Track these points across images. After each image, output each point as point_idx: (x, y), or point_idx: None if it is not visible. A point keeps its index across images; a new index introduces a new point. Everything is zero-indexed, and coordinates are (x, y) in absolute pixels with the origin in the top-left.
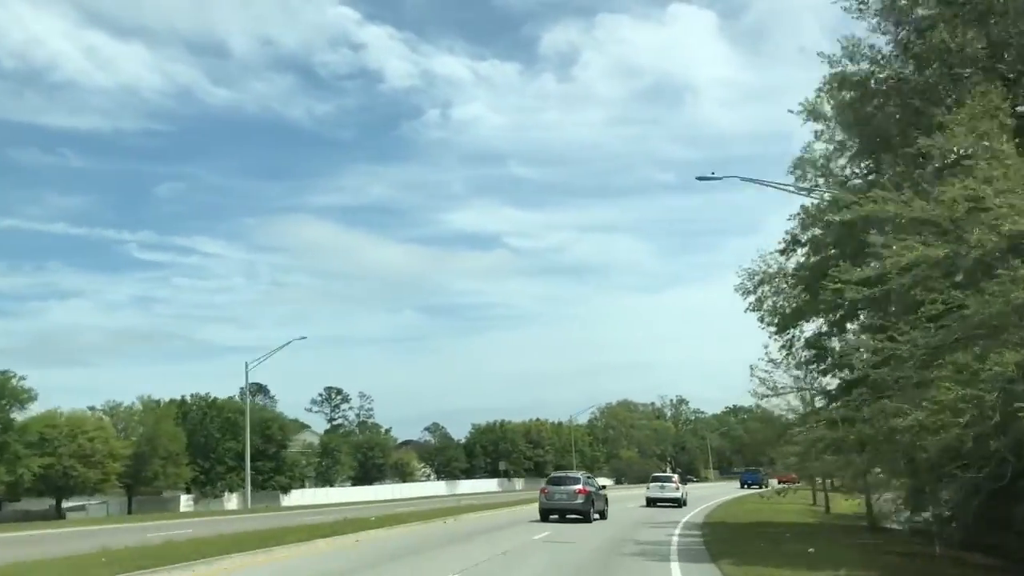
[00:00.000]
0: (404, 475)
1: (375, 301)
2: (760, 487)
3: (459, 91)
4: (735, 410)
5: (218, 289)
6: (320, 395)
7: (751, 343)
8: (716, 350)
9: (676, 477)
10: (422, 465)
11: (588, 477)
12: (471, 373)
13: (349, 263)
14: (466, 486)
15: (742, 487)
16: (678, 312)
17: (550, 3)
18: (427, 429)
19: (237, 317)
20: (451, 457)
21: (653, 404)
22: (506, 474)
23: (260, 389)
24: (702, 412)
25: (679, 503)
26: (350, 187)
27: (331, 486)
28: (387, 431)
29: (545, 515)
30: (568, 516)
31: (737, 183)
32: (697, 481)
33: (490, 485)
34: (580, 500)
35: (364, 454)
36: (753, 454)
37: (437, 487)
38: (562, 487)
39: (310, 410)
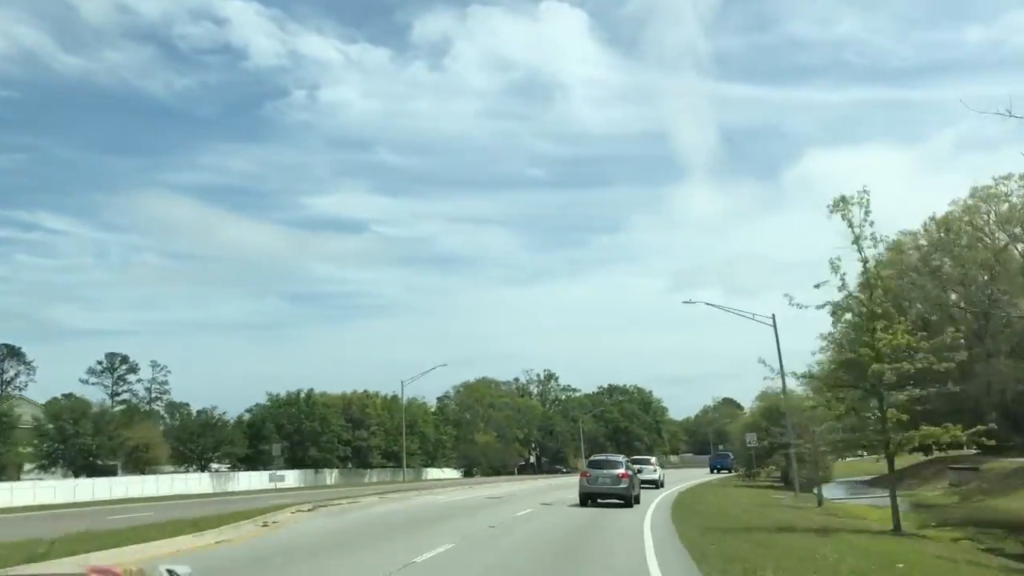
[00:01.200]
0: (142, 464)
1: (235, 285)
2: (731, 471)
3: (328, 73)
4: (611, 390)
5: (65, 268)
6: (99, 363)
7: (622, 335)
8: (588, 341)
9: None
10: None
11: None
12: (334, 362)
13: (208, 245)
14: (244, 481)
15: (712, 472)
16: (550, 304)
17: None
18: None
19: (86, 297)
20: (223, 439)
21: (517, 380)
22: (313, 464)
23: (12, 352)
24: (574, 390)
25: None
26: (210, 166)
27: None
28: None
29: (586, 500)
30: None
31: None
32: (566, 473)
33: (293, 478)
34: (623, 485)
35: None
36: (628, 439)
37: (187, 482)
38: (605, 471)
39: (86, 381)
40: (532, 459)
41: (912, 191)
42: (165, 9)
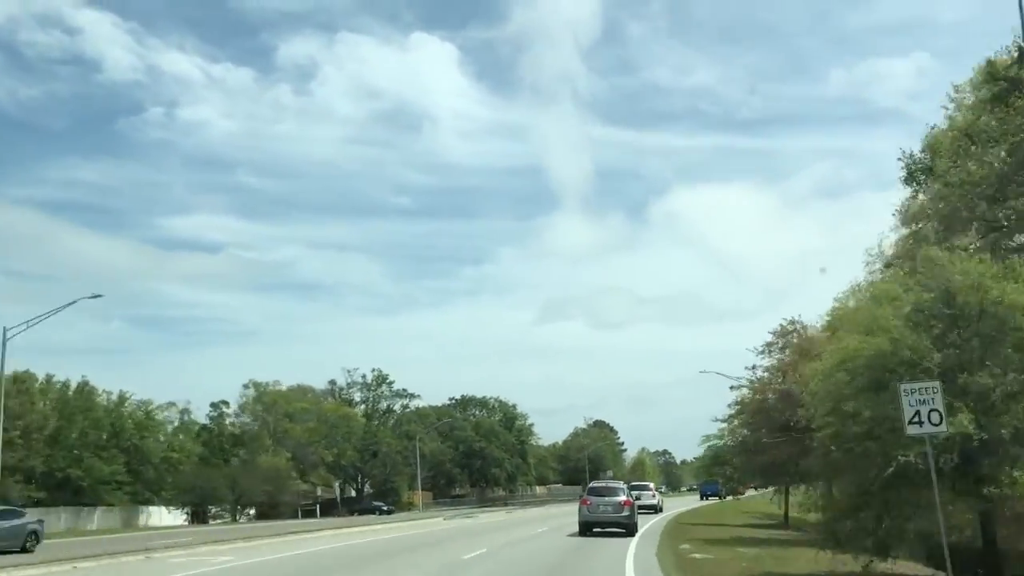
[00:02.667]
0: None
1: (78, 307)
2: (720, 498)
3: (187, 91)
4: (464, 403)
5: None
6: None
7: (486, 366)
8: (451, 372)
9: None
10: None
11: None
12: (183, 389)
13: (51, 264)
14: None
15: (702, 499)
16: (414, 335)
17: (290, 13)
18: None
19: None
20: None
21: (333, 383)
22: None
23: None
24: (411, 395)
25: None
26: (55, 180)
27: None
28: None
29: (586, 529)
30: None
31: None
32: (385, 513)
33: None
34: (625, 513)
35: None
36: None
37: None
38: (606, 498)
39: None
40: (351, 491)
41: (772, 230)
42: (10, 13)
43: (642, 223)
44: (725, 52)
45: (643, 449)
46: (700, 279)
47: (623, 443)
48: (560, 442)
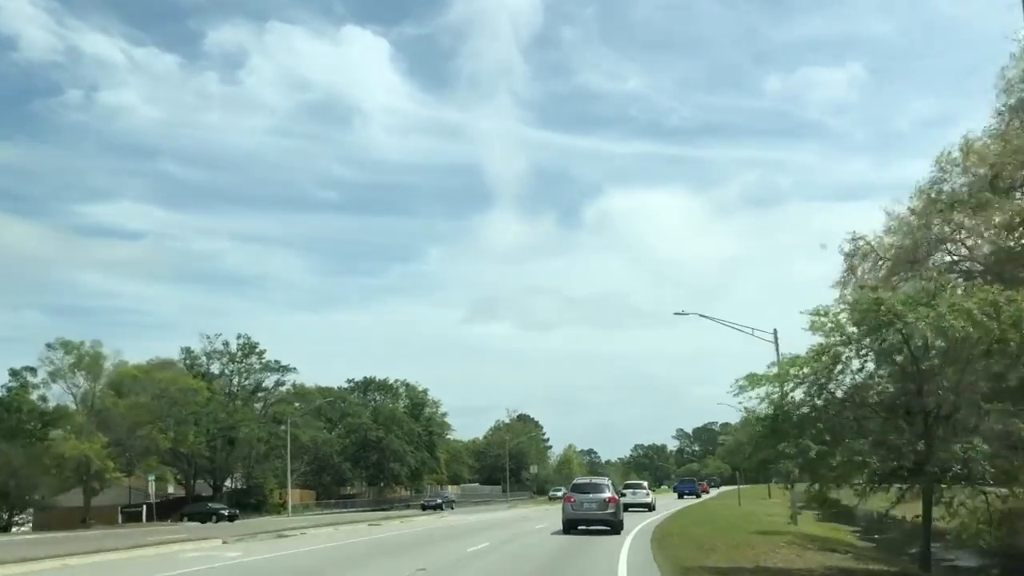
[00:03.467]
0: None
1: None
2: (697, 496)
3: (109, 75)
4: (365, 385)
5: None
6: None
7: (413, 365)
8: (377, 370)
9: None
10: None
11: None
12: None
13: None
14: None
15: (680, 498)
16: (340, 332)
17: (219, 0)
18: None
19: None
20: None
21: (188, 351)
22: None
23: None
24: (286, 368)
25: None
26: None
27: None
28: None
29: (570, 527)
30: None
31: None
32: (226, 519)
33: None
34: (610, 510)
35: None
36: (381, 458)
37: None
38: (591, 495)
39: None
40: (209, 488)
41: (700, 235)
42: None
43: (574, 225)
44: (656, 61)
45: (570, 446)
46: (629, 282)
47: (548, 439)
48: (481, 437)
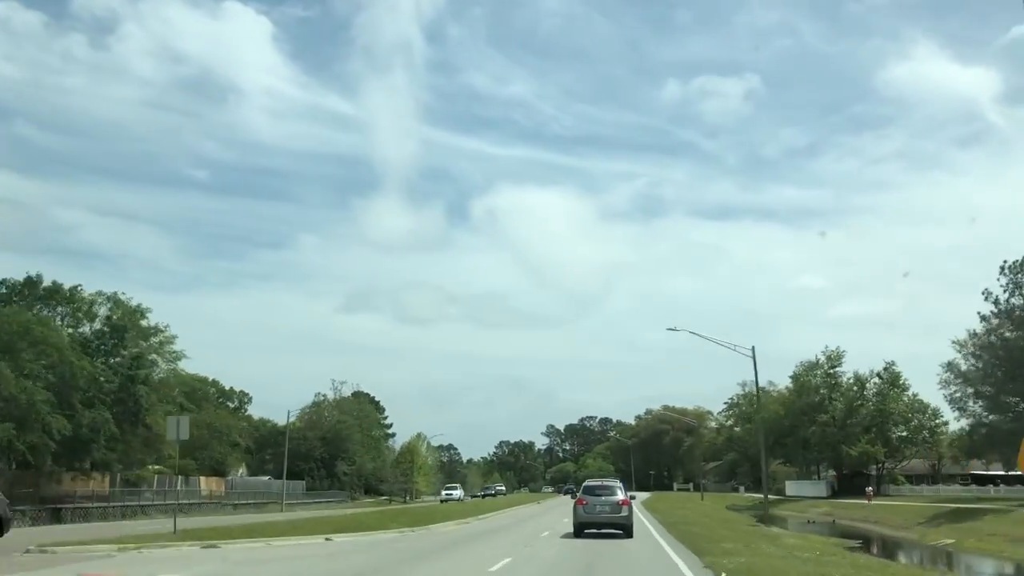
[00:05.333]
0: None
1: None
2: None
3: None
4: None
5: None
6: None
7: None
8: (238, 359)
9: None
10: None
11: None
12: None
13: None
14: None
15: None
16: (202, 317)
17: None
18: None
19: None
20: None
21: None
22: None
23: None
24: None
25: None
26: None
27: None
28: None
29: (581, 530)
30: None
31: None
32: None
33: None
34: (624, 513)
35: None
36: None
37: None
38: (603, 498)
39: None
40: None
41: (583, 241)
42: None
43: (460, 220)
44: (541, 67)
45: (418, 435)
46: (511, 283)
47: (391, 425)
48: (294, 419)
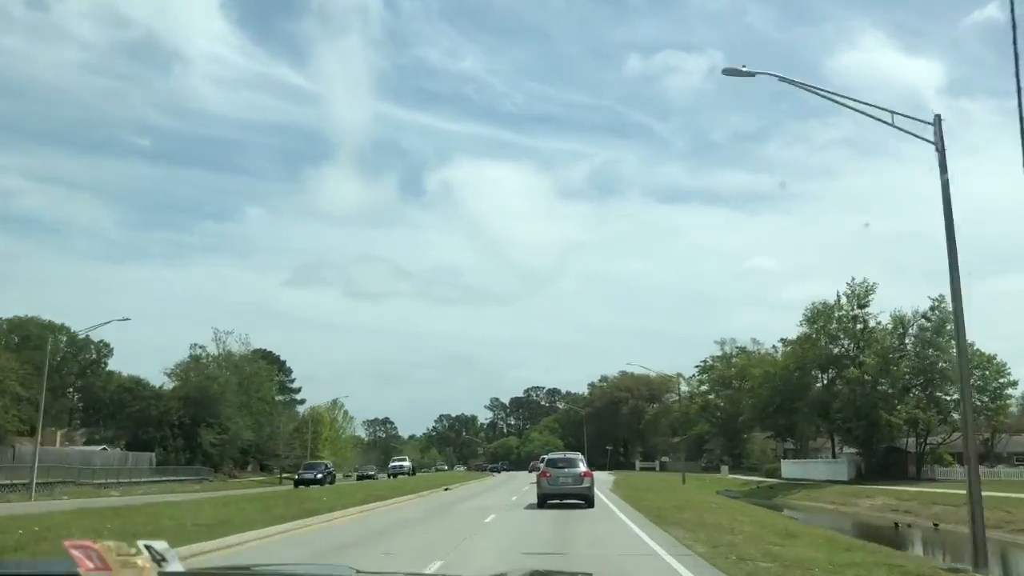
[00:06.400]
0: None
1: None
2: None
3: None
4: None
5: None
6: None
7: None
8: (178, 334)
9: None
10: None
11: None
12: None
13: None
14: None
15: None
16: (142, 289)
17: None
18: None
19: None
20: None
21: None
22: None
23: None
24: None
25: None
26: None
27: None
28: None
29: (544, 501)
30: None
31: None
32: None
33: None
34: (586, 484)
35: None
36: None
37: None
38: (565, 470)
39: None
40: None
41: (537, 218)
42: None
43: (411, 195)
44: (492, 43)
45: (334, 401)
46: (464, 258)
47: (299, 390)
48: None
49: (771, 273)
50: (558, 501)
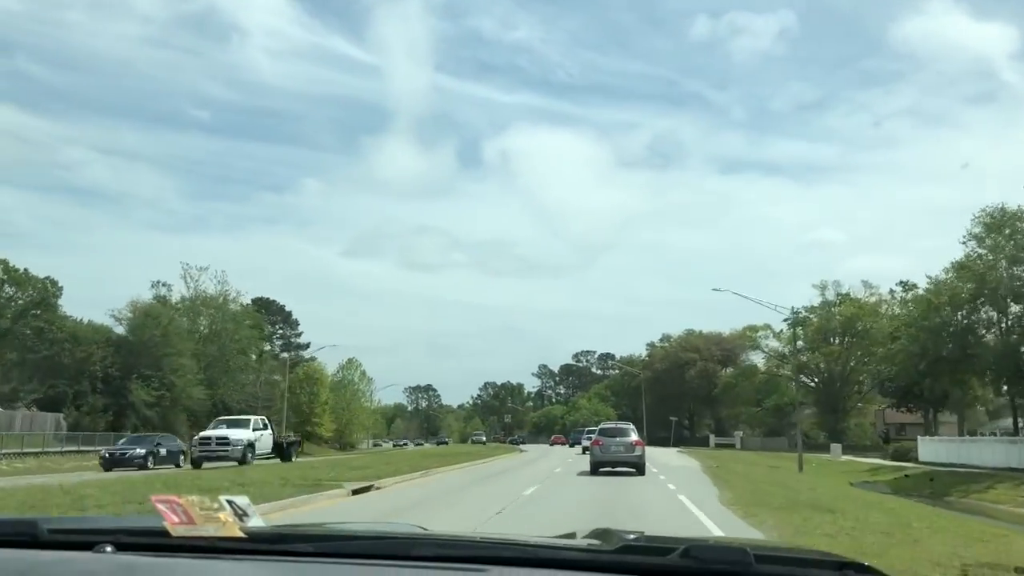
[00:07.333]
0: None
1: None
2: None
3: None
4: None
5: None
6: None
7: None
8: None
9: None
10: None
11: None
12: None
13: None
14: None
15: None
16: (204, 258)
17: None
18: None
19: None
20: None
21: None
22: None
23: None
24: None
25: None
26: None
27: None
28: None
29: (596, 468)
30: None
31: None
32: None
33: None
34: (637, 453)
35: None
36: None
37: None
38: (617, 439)
39: None
40: None
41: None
42: None
43: (467, 166)
44: (546, 12)
45: (351, 360)
46: (518, 229)
47: (307, 345)
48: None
49: (833, 245)
50: (610, 468)
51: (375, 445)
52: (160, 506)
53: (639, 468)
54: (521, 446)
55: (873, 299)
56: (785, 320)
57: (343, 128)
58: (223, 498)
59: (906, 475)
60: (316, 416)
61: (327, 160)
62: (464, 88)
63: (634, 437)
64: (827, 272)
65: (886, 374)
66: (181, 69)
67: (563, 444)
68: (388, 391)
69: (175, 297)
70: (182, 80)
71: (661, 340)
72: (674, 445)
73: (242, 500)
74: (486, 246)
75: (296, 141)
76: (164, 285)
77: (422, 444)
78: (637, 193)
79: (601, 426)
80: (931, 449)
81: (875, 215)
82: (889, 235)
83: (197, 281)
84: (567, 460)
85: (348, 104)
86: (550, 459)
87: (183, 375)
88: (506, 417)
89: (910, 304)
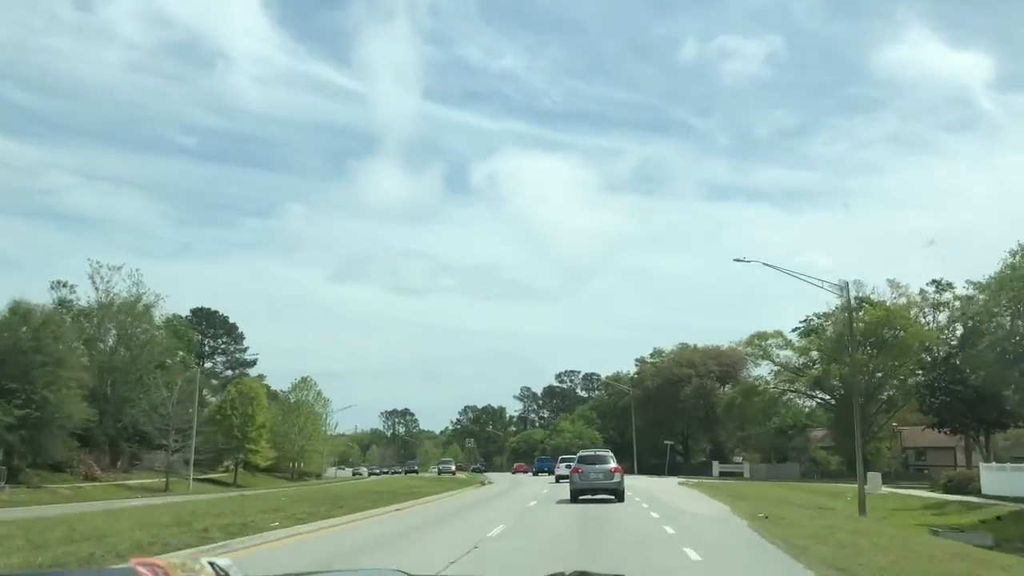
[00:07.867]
0: None
1: None
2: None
3: None
4: None
5: None
6: None
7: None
8: None
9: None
10: None
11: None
12: None
13: None
14: None
15: (536, 475)
16: (189, 284)
17: None
18: None
19: None
20: None
21: None
22: None
23: None
24: None
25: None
26: None
27: None
28: None
29: (576, 496)
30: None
31: None
32: None
33: None
34: (616, 479)
35: None
36: None
37: None
38: (596, 466)
39: None
40: None
41: (581, 212)
42: None
43: (454, 191)
44: (531, 41)
45: (305, 380)
46: (505, 253)
47: (254, 362)
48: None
49: (819, 269)
50: (590, 496)
51: (355, 474)
52: (141, 569)
53: (618, 495)
54: (485, 475)
55: (902, 300)
56: (837, 292)
57: (329, 153)
58: (204, 559)
59: (998, 517)
60: (250, 442)
61: (312, 186)
62: (451, 115)
63: (612, 464)
64: (814, 297)
65: (937, 383)
66: (166, 95)
67: (524, 472)
68: (367, 416)
69: (83, 301)
70: (167, 106)
71: (652, 355)
72: (670, 473)
73: (223, 561)
74: (474, 270)
75: (282, 166)
76: (66, 286)
77: (399, 472)
78: (624, 218)
79: (580, 454)
80: (996, 479)
81: (860, 239)
82: (874, 259)
83: (108, 282)
84: (528, 504)
85: (334, 129)
86: (507, 499)
87: (58, 389)
88: (484, 442)
89: (983, 296)
